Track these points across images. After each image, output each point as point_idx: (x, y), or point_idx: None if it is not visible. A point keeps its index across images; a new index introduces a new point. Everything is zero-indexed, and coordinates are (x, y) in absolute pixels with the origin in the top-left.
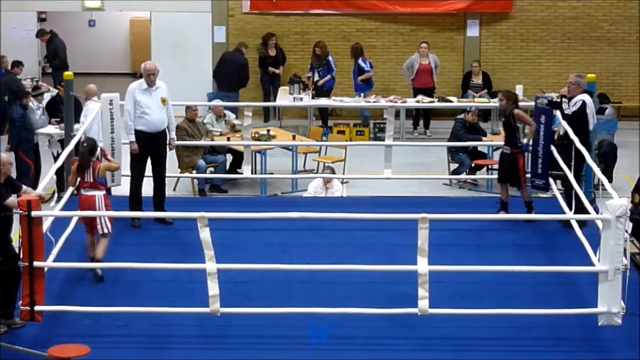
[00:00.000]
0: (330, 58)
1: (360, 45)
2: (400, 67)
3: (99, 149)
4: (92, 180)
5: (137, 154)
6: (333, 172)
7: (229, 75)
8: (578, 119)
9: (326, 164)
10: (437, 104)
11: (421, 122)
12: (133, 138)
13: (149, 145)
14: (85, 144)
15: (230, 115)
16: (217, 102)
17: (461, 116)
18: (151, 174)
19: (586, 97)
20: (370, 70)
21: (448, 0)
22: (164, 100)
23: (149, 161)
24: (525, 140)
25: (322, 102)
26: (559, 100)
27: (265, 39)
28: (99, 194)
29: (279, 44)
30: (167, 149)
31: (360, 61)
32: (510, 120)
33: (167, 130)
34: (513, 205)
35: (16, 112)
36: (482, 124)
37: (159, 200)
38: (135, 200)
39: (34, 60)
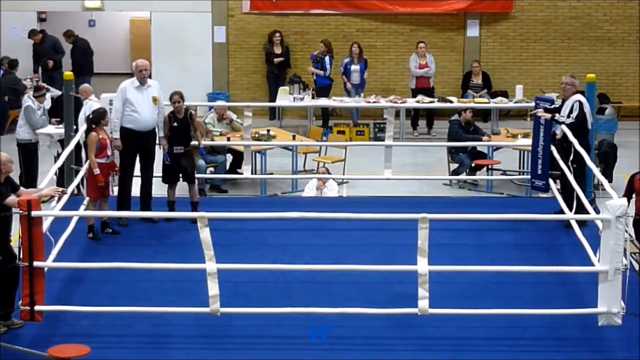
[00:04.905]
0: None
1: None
2: (399, 67)
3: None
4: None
5: (125, 153)
6: (328, 172)
7: (90, 59)
8: (578, 122)
9: (324, 164)
10: (437, 104)
11: (421, 123)
12: (117, 135)
13: (137, 144)
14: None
15: (232, 115)
16: (221, 103)
17: (454, 117)
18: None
19: (581, 97)
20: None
21: (448, 0)
22: (155, 99)
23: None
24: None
25: (322, 102)
26: (557, 105)
27: (269, 35)
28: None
29: (285, 42)
30: (157, 148)
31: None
32: (187, 119)
33: (156, 129)
34: (513, 204)
35: None
36: (482, 124)
37: (146, 199)
38: (123, 198)
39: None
